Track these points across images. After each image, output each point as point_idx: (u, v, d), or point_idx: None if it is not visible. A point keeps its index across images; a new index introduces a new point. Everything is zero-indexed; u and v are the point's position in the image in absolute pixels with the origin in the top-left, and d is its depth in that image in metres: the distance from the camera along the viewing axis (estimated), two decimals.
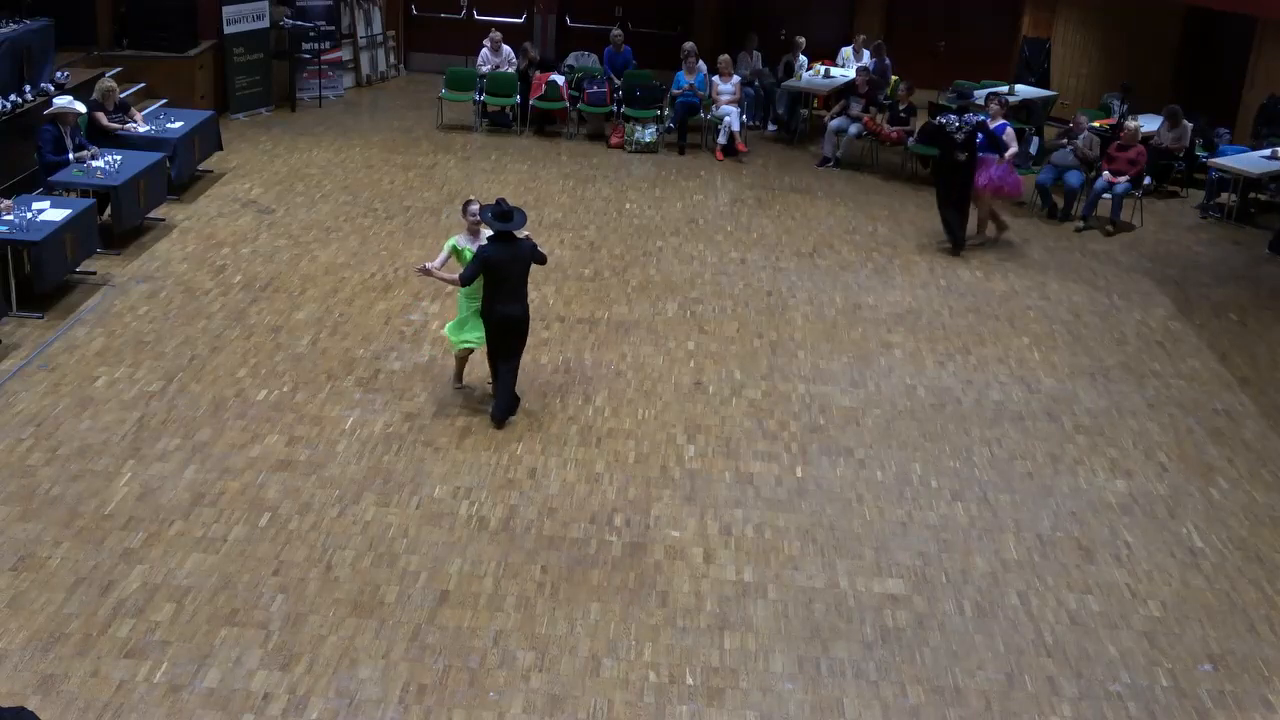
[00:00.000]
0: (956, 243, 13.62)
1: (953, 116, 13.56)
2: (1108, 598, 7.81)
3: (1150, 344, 11.64)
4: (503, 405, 9.35)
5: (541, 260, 9.32)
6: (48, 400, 9.29)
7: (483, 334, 9.34)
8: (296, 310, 11.13)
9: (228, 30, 16.72)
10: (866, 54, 18.19)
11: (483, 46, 17.46)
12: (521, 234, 9.29)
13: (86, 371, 9.77)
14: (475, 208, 9.40)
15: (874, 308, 12.03)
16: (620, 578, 7.67)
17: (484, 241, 9.20)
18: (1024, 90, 17.79)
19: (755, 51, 18.20)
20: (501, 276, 9.03)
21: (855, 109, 16.48)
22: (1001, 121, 13.89)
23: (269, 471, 8.56)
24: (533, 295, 11.22)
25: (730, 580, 7.71)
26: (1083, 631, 7.47)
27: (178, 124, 13.80)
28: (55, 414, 9.10)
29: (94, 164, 12.01)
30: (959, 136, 13.35)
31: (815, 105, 18.18)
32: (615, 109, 17.17)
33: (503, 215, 9.04)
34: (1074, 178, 14.97)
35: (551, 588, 7.54)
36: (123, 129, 13.25)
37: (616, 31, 18.26)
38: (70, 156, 12.03)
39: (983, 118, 13.79)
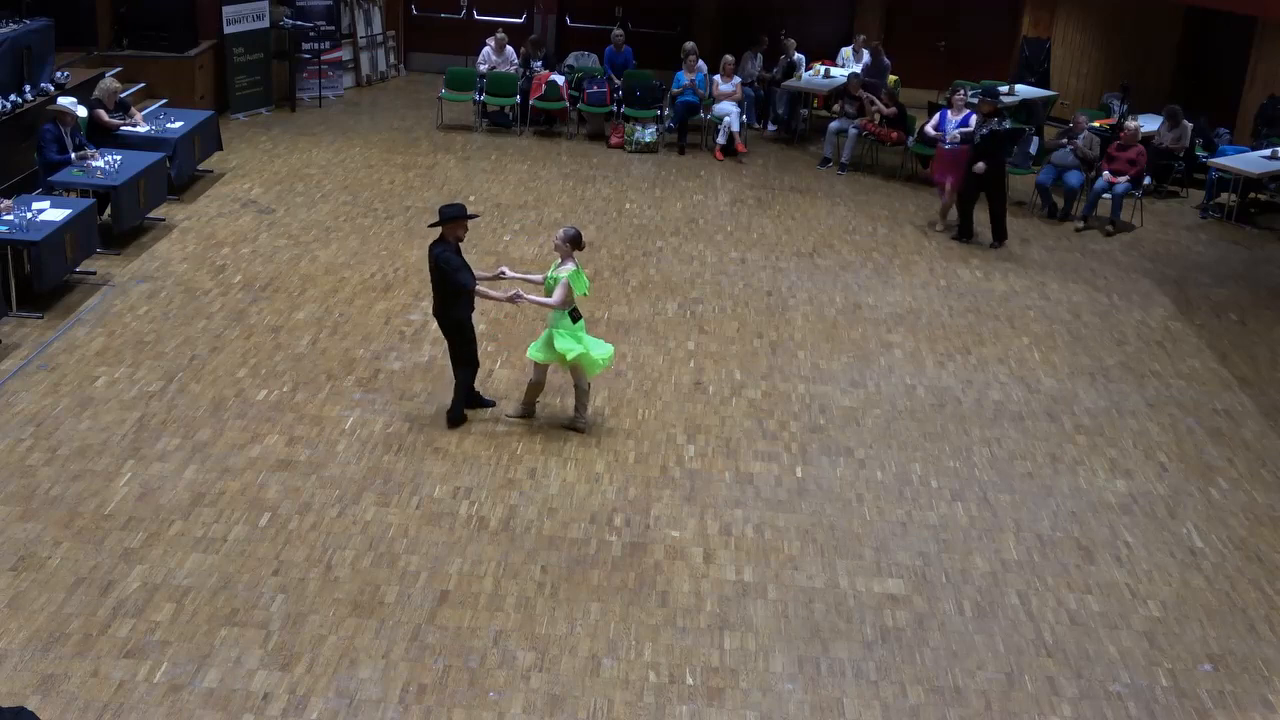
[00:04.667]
0: (966, 232, 14.15)
1: (973, 119, 13.92)
2: (1108, 598, 7.81)
3: (1150, 344, 11.64)
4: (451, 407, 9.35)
5: (438, 271, 8.88)
6: (48, 400, 9.29)
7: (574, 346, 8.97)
8: (296, 310, 11.12)
9: (228, 30, 16.72)
10: (867, 54, 18.18)
11: (484, 45, 17.45)
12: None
13: (86, 371, 9.76)
14: (560, 233, 9.01)
15: (874, 308, 12.03)
16: (620, 578, 7.67)
17: (570, 265, 8.91)
18: (1024, 90, 17.78)
19: (757, 54, 18.19)
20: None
21: (850, 109, 16.49)
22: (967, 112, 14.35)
23: (269, 471, 8.56)
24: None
25: (730, 580, 7.71)
26: (1083, 631, 7.47)
27: (178, 124, 13.81)
28: (55, 414, 9.10)
29: (94, 164, 12.01)
30: (977, 138, 13.84)
31: (815, 105, 18.19)
32: (615, 109, 17.17)
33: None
34: (1074, 178, 14.97)
35: (551, 588, 7.54)
36: (123, 126, 13.25)
37: (617, 31, 18.26)
38: (71, 156, 12.03)
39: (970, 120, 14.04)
